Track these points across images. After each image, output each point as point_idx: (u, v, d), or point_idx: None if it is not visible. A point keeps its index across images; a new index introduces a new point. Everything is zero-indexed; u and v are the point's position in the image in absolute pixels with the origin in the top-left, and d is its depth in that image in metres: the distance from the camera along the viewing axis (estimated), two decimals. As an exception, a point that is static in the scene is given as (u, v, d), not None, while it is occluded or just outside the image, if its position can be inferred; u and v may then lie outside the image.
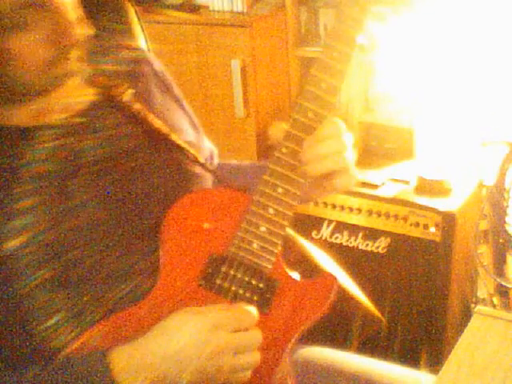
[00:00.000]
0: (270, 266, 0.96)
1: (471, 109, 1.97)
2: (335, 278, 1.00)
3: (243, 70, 2.51)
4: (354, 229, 2.02)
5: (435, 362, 1.92)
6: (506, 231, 1.77)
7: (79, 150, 0.95)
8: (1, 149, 0.92)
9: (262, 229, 0.95)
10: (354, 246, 2.02)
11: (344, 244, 2.03)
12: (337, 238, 2.04)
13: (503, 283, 1.81)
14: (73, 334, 0.89)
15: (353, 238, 2.02)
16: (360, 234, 2.01)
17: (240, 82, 2.52)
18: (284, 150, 0.95)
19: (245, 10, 2.60)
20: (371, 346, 1.94)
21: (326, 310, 0.98)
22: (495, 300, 1.88)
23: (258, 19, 2.56)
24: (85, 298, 0.90)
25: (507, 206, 1.76)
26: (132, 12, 1.35)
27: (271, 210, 0.95)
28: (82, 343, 0.88)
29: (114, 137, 0.99)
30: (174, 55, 2.48)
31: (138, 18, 1.36)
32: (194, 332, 0.86)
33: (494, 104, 1.92)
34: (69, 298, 0.90)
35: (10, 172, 0.91)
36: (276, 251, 0.96)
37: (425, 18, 1.85)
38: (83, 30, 0.93)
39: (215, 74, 2.57)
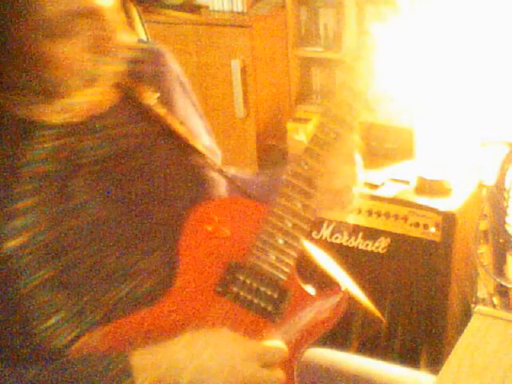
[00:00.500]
0: (284, 278, 0.97)
1: (471, 109, 1.97)
2: (346, 293, 1.02)
3: (243, 70, 2.51)
4: (353, 229, 2.02)
5: (435, 362, 1.91)
6: (506, 231, 1.78)
7: (80, 149, 0.95)
8: (2, 147, 0.92)
9: (279, 240, 0.97)
10: (353, 246, 2.02)
11: (344, 244, 2.03)
12: (337, 238, 2.04)
13: (503, 283, 1.81)
14: (73, 334, 0.89)
15: (353, 238, 2.02)
16: (360, 234, 2.01)
17: (240, 82, 2.52)
18: (303, 163, 0.98)
19: (245, 10, 2.60)
20: (371, 346, 1.94)
21: (336, 322, 1.00)
22: (495, 300, 1.88)
23: (258, 19, 2.56)
24: (85, 298, 0.90)
25: (507, 206, 1.76)
26: (134, 12, 1.35)
27: (288, 223, 0.97)
28: (87, 343, 0.89)
29: (115, 136, 0.99)
30: (173, 55, 2.48)
31: (140, 18, 1.36)
32: (228, 356, 0.88)
33: (493, 104, 1.92)
34: (69, 298, 0.90)
35: (10, 172, 0.90)
36: (291, 263, 0.97)
37: (425, 18, 1.85)
38: (125, 36, 0.94)
39: (215, 73, 2.57)
